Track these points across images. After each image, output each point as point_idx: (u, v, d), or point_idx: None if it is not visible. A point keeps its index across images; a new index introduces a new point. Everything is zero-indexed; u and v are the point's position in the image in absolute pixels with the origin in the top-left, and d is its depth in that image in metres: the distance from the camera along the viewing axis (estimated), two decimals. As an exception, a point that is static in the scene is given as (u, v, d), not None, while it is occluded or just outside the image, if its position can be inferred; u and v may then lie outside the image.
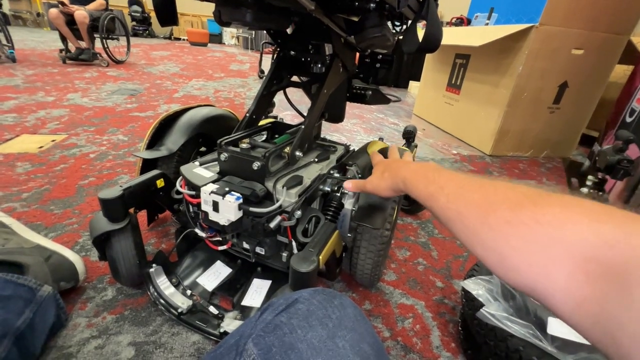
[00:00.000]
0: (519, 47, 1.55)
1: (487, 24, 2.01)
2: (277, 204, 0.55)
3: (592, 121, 1.81)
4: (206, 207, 0.55)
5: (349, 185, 0.54)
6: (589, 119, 1.80)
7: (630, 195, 1.12)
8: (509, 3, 1.82)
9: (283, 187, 0.57)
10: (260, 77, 3.65)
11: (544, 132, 1.76)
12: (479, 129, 1.84)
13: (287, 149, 0.64)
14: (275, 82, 0.75)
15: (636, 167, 0.94)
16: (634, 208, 0.22)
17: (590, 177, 1.02)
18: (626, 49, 1.64)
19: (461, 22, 2.39)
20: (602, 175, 1.00)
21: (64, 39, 2.96)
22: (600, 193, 1.02)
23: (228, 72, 3.57)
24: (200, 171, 0.62)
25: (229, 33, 7.63)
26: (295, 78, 0.81)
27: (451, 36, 1.94)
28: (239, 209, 0.54)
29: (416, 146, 1.02)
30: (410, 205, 1.04)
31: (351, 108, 2.25)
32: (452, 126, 2.10)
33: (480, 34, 1.70)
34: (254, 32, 6.81)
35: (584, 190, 1.03)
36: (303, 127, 0.65)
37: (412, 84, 3.61)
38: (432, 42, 0.49)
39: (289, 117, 1.90)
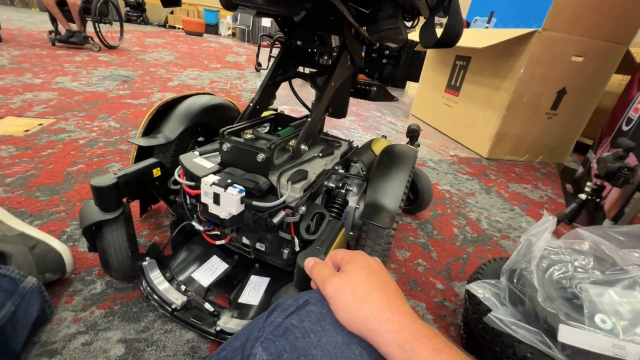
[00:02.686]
0: (521, 51, 1.55)
1: (486, 27, 2.01)
2: (281, 199, 0.52)
3: (586, 129, 1.83)
4: (206, 199, 0.52)
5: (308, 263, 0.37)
6: (584, 126, 1.82)
7: (625, 204, 1.13)
8: (507, 7, 1.82)
9: (288, 181, 0.55)
10: (258, 70, 3.57)
11: (540, 138, 1.78)
12: (476, 132, 1.84)
13: (292, 142, 0.61)
14: (280, 72, 0.72)
15: (634, 175, 0.94)
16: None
17: (589, 183, 1.03)
18: (623, 59, 1.65)
19: (462, 24, 2.38)
20: (601, 182, 1.01)
21: (53, 20, 2.84)
22: (598, 200, 1.03)
23: (224, 64, 3.50)
24: (201, 161, 0.59)
25: (226, 24, 7.50)
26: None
27: (453, 37, 1.93)
28: (241, 202, 0.51)
29: (419, 145, 1.01)
30: (411, 205, 1.02)
31: (349, 106, 2.23)
32: (450, 128, 2.09)
33: (482, 36, 1.70)
34: (251, 24, 6.71)
35: (582, 196, 1.03)
36: (309, 119, 0.63)
37: (410, 84, 3.61)
38: (452, 36, 0.47)
39: (286, 111, 1.87)
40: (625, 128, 1.35)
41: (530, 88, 1.60)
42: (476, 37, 1.72)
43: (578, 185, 1.57)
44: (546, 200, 1.38)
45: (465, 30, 2.16)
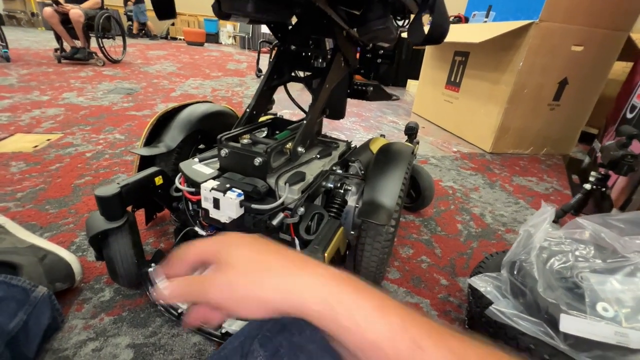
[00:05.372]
0: (519, 43, 1.54)
1: (485, 21, 2.00)
2: (279, 201, 0.53)
3: (591, 118, 1.81)
4: (206, 204, 0.54)
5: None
6: (588, 116, 1.79)
7: (633, 191, 1.11)
8: (505, 1, 1.81)
9: (285, 183, 0.56)
10: (258, 76, 3.63)
11: (544, 129, 1.76)
12: (478, 127, 1.83)
13: (289, 145, 0.62)
14: (275, 77, 0.73)
15: (639, 162, 0.93)
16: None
17: (593, 173, 1.01)
18: (625, 46, 1.63)
19: (459, 20, 2.38)
20: (605, 171, 0.99)
21: (58, 38, 2.92)
22: (604, 189, 1.01)
23: (225, 71, 3.54)
24: (200, 168, 0.60)
25: (226, 32, 7.59)
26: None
27: (450, 33, 1.91)
28: (241, 205, 0.52)
29: (418, 143, 1.01)
30: (413, 202, 1.02)
31: (350, 107, 2.23)
32: (452, 124, 2.09)
33: (479, 30, 1.69)
34: (250, 31, 6.78)
35: (587, 186, 1.02)
36: (305, 122, 0.64)
37: (411, 83, 3.60)
38: (438, 33, 0.48)
39: (287, 115, 1.89)
40: (629, 115, 1.33)
41: (531, 80, 1.59)
42: (473, 31, 1.72)
43: (585, 176, 1.55)
44: (552, 192, 1.37)
45: (462, 26, 2.16)
